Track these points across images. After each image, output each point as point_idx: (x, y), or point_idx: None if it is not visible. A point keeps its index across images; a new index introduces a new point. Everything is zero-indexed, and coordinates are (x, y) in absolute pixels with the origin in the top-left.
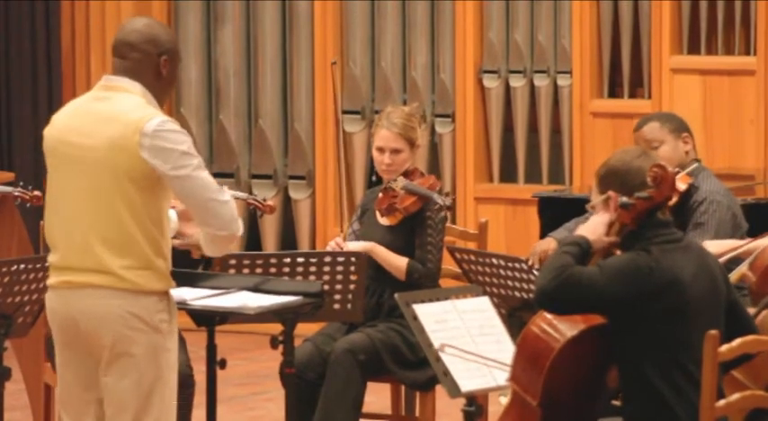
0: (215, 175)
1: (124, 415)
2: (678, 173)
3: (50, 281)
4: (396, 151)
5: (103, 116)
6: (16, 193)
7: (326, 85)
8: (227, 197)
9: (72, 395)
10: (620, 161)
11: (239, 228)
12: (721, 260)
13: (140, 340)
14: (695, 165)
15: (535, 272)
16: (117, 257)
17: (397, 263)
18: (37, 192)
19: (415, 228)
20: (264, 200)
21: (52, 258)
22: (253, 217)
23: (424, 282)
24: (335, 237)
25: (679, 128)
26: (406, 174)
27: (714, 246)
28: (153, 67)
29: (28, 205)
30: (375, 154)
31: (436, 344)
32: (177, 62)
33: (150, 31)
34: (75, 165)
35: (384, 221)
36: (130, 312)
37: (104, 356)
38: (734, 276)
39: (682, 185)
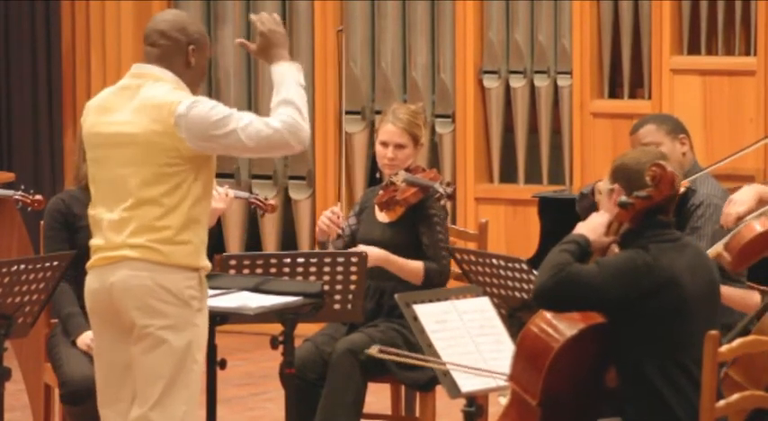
0: (215, 176)
1: (153, 388)
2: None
3: (89, 263)
4: (399, 146)
5: (138, 104)
6: (17, 197)
7: (327, 85)
8: (274, 126)
9: (110, 380)
10: (634, 159)
11: (301, 140)
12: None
13: (170, 312)
14: (701, 172)
15: (535, 272)
16: (148, 233)
17: (414, 267)
18: (38, 197)
19: (419, 227)
20: (266, 199)
21: (93, 242)
22: (253, 217)
23: (440, 281)
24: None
25: (675, 129)
26: (408, 171)
27: (738, 205)
28: (182, 54)
29: (29, 209)
30: (378, 148)
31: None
32: (205, 53)
33: (180, 20)
34: (116, 152)
35: (383, 218)
36: (159, 284)
37: (135, 329)
38: (710, 253)
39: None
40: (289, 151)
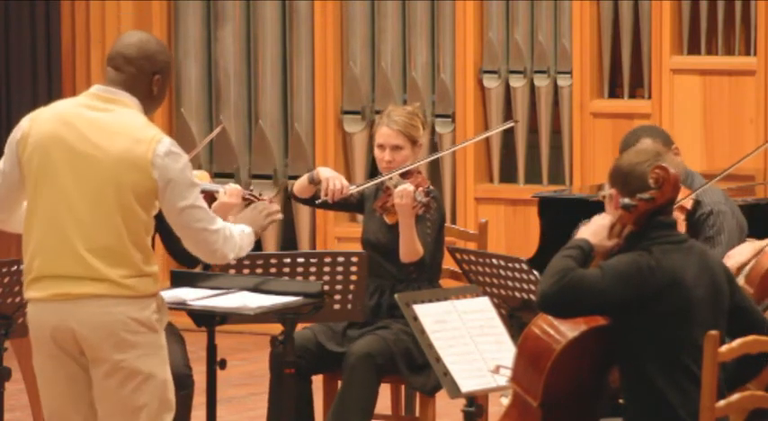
0: (215, 176)
1: (136, 417)
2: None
3: (37, 294)
4: (396, 148)
5: (110, 129)
6: None
7: (327, 85)
8: (219, 225)
9: (66, 407)
10: (628, 162)
11: (222, 256)
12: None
13: (141, 342)
14: (701, 189)
15: (535, 272)
16: (113, 268)
17: (419, 245)
18: None
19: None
20: (260, 194)
21: (36, 267)
22: None
23: (422, 270)
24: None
25: (667, 140)
26: (403, 175)
27: (737, 256)
28: (146, 83)
29: None
30: (376, 151)
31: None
32: (168, 83)
33: (148, 47)
34: (73, 173)
35: (386, 219)
36: (132, 317)
37: (106, 363)
38: None
39: (688, 203)
40: (207, 254)
